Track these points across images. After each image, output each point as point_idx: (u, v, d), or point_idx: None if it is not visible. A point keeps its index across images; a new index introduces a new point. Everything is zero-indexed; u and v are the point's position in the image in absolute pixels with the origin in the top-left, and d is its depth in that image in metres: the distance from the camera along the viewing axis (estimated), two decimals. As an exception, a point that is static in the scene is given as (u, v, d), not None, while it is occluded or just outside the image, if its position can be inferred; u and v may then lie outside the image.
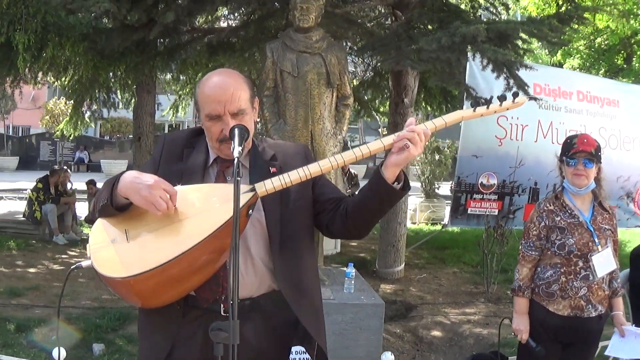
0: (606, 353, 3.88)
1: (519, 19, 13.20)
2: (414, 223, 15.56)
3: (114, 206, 2.24)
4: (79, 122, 13.08)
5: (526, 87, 6.00)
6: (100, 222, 2.29)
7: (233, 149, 2.13)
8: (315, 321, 2.50)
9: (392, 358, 4.23)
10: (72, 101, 12.26)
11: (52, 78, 10.95)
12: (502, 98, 2.30)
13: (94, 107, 12.85)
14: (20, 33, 6.14)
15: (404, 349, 6.15)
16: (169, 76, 12.37)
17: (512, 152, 8.11)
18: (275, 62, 5.68)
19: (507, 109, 2.33)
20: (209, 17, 9.24)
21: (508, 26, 5.60)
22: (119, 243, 2.18)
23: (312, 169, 2.24)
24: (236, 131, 2.20)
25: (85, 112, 13.29)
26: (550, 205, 3.69)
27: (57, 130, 14.93)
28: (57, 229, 11.42)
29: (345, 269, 6.72)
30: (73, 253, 10.52)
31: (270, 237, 2.41)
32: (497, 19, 7.40)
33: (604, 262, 3.55)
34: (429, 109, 12.26)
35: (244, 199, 2.17)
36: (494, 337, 6.20)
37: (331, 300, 5.38)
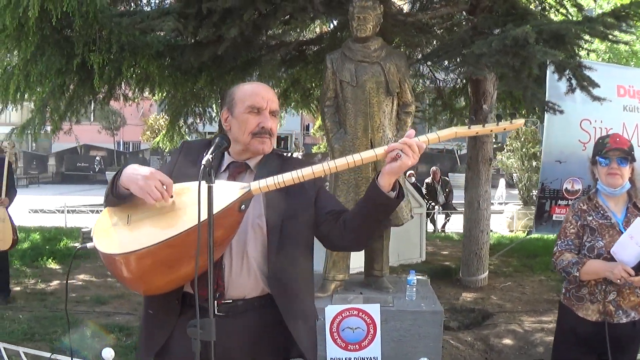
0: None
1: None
2: (512, 231, 15.25)
3: (115, 196, 2.40)
4: (174, 136, 13.54)
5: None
6: (107, 209, 2.47)
7: (205, 154, 2.23)
8: (302, 330, 2.57)
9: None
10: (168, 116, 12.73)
11: (150, 94, 11.34)
12: (499, 118, 2.34)
13: (190, 120, 13.23)
14: (95, 54, 6.48)
15: (472, 357, 6.04)
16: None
17: (596, 156, 7.83)
18: (334, 73, 5.74)
19: (505, 129, 2.35)
20: (296, 28, 9.42)
21: (561, 26, 5.43)
22: (119, 226, 2.35)
23: (305, 172, 2.32)
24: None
25: (182, 126, 13.73)
26: (583, 205, 3.57)
27: (154, 144, 15.59)
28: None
29: (420, 276, 6.74)
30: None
31: (269, 244, 2.50)
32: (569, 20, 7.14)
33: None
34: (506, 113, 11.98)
35: (238, 194, 2.30)
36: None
37: (390, 307, 5.39)
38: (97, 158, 34.79)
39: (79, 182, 33.20)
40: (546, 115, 7.39)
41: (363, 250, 6.14)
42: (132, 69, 7.62)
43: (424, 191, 16.18)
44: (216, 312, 2.42)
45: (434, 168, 16.54)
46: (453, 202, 16.28)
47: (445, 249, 12.23)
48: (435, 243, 12.82)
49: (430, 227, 15.29)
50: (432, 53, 7.26)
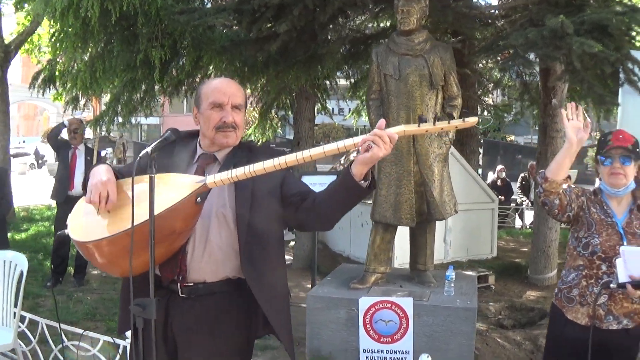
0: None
1: None
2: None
3: (85, 187, 2.59)
4: (267, 127, 13.81)
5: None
6: (83, 198, 2.65)
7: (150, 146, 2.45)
8: (275, 310, 2.74)
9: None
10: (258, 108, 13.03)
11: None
12: (450, 116, 2.38)
13: (282, 112, 13.45)
14: (156, 49, 6.80)
15: (517, 356, 5.90)
16: (343, 82, 12.68)
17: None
18: (379, 66, 5.77)
19: (456, 127, 2.43)
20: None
21: (602, 16, 5.19)
22: (90, 215, 2.53)
23: (257, 167, 2.44)
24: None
25: (274, 117, 13.97)
26: (590, 196, 3.42)
27: (246, 136, 15.96)
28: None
29: (469, 272, 6.65)
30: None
31: (239, 233, 2.65)
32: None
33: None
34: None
35: (193, 187, 2.46)
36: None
37: (423, 302, 5.37)
38: (202, 148, 35.62)
39: (185, 171, 34.28)
40: (619, 111, 7.09)
41: (409, 244, 6.18)
42: (203, 65, 7.93)
43: (518, 184, 15.80)
44: (180, 294, 2.65)
45: (532, 162, 16.09)
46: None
47: (526, 245, 11.86)
48: (518, 239, 12.50)
49: (519, 223, 14.90)
50: (484, 48, 7.12)
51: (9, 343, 4.51)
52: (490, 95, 18.11)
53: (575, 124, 3.05)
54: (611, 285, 3.14)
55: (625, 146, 3.26)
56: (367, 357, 5.36)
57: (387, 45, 5.83)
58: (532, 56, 6.25)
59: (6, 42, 13.10)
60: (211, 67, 7.99)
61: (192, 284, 2.65)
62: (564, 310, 3.40)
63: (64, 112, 10.65)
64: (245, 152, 2.77)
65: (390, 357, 5.34)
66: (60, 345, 4.73)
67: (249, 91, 11.81)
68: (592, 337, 3.17)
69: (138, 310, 2.35)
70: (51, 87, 9.91)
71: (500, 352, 5.97)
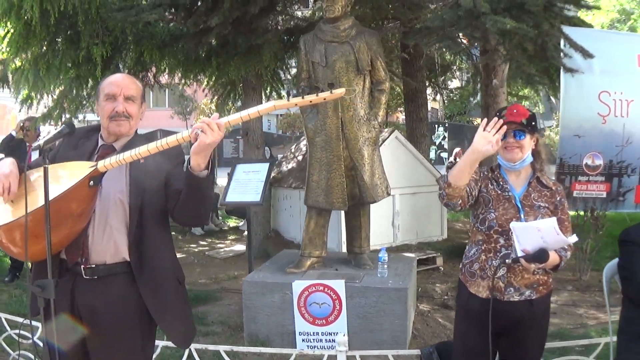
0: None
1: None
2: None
3: None
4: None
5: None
6: None
7: (40, 137, 2.56)
8: (154, 294, 2.87)
9: (345, 339, 4.20)
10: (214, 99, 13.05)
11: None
12: (317, 89, 2.47)
13: (239, 103, 13.47)
14: (97, 47, 6.96)
15: (457, 333, 6.02)
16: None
17: (617, 129, 7.57)
18: (307, 54, 5.87)
19: (325, 99, 2.52)
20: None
21: (516, -7, 5.33)
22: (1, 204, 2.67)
23: (141, 150, 2.61)
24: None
25: (230, 108, 13.97)
26: (488, 173, 3.46)
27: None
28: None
29: (409, 254, 6.74)
30: (203, 243, 11.12)
31: (131, 218, 2.82)
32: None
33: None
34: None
35: (86, 172, 2.62)
36: (555, 326, 5.94)
37: (355, 284, 5.47)
38: (172, 141, 35.41)
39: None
40: (562, 88, 7.20)
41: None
42: (146, 60, 8.00)
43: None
44: (84, 276, 2.78)
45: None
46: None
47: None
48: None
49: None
50: (412, 32, 7.18)
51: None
52: (453, 80, 18.27)
53: (486, 135, 3.04)
54: (507, 261, 3.23)
55: (518, 121, 3.31)
56: (303, 340, 5.48)
57: (314, 34, 5.92)
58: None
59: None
60: (158, 61, 8.09)
61: (94, 265, 2.78)
62: (468, 284, 3.44)
63: (19, 111, 10.74)
64: (142, 142, 2.88)
65: (325, 339, 5.45)
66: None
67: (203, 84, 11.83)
68: (494, 309, 3.24)
69: (38, 290, 2.47)
70: (4, 86, 10.06)
71: (441, 331, 6.06)
